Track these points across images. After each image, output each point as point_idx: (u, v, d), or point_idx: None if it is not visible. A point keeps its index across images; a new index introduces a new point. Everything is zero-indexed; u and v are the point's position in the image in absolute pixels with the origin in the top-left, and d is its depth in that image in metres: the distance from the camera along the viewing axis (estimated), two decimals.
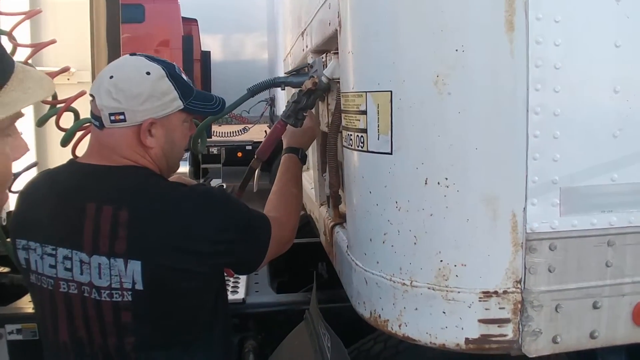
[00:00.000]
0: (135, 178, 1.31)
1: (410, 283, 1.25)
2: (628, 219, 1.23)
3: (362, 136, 1.32)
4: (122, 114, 1.29)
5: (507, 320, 1.22)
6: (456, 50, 1.16)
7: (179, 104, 1.35)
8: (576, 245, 1.22)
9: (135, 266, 1.21)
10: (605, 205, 1.23)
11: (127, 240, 1.22)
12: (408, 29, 1.21)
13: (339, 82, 1.58)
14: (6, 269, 2.45)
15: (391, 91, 1.23)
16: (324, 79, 1.62)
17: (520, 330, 1.22)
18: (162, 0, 8.09)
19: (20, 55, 2.07)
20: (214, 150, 9.13)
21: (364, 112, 1.30)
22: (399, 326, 1.29)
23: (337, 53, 1.59)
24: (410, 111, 1.21)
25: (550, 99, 1.17)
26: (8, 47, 2.05)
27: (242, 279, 2.43)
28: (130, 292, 1.22)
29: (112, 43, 3.48)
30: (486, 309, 1.21)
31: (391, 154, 1.25)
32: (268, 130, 10.46)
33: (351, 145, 1.38)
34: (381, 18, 1.26)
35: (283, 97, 8.45)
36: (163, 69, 1.34)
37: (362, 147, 1.33)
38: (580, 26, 1.17)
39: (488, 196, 1.19)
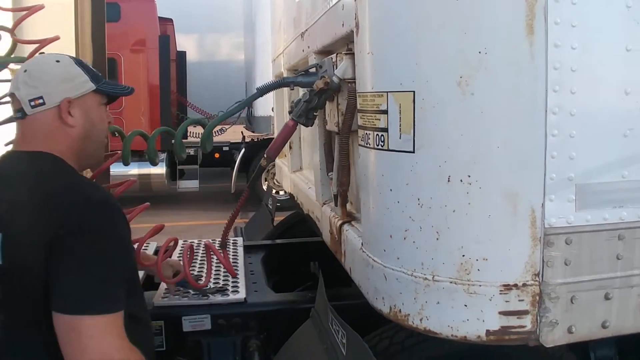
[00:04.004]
0: (36, 163, 1.43)
1: (432, 277, 1.29)
2: (637, 213, 1.30)
3: (382, 135, 1.35)
4: (41, 97, 1.43)
5: (525, 312, 1.27)
6: (479, 52, 1.21)
7: (90, 85, 1.50)
8: (590, 239, 1.28)
9: None
10: (617, 200, 1.29)
11: None
12: (432, 31, 1.25)
13: (350, 82, 1.61)
14: None
15: (414, 91, 1.27)
16: (335, 79, 1.64)
17: (538, 321, 1.27)
18: None
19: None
20: (191, 152, 9.01)
21: (385, 112, 1.33)
22: (420, 320, 1.32)
23: (349, 54, 1.62)
24: (434, 111, 1.25)
25: (567, 100, 1.23)
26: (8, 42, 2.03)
27: (241, 278, 2.43)
28: None
29: (97, 41, 3.46)
30: (506, 301, 1.26)
31: (413, 152, 1.29)
32: (245, 132, 10.35)
33: (368, 144, 1.41)
34: (404, 20, 1.29)
35: (261, 99, 8.43)
36: (70, 57, 1.52)
37: (382, 146, 1.36)
38: (595, 31, 1.23)
39: (509, 193, 1.24)
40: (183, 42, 10.00)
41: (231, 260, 2.62)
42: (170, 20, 9.26)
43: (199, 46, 10.52)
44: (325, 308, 1.82)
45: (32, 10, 1.87)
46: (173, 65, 8.76)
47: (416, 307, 1.32)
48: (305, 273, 3.11)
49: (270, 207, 3.62)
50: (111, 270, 1.33)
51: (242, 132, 9.80)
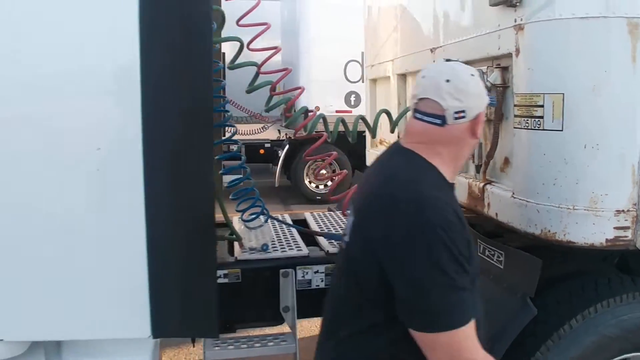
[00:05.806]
0: (410, 162, 1.64)
1: (573, 207, 2.12)
2: None
3: (539, 120, 2.18)
4: (464, 111, 1.62)
5: (628, 227, 2.10)
6: (605, 71, 2.05)
7: (487, 99, 1.75)
8: None
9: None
10: None
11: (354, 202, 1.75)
12: (575, 56, 2.09)
13: (498, 86, 2.44)
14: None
15: (563, 93, 2.11)
16: (488, 84, 2.47)
17: (636, 233, 2.11)
18: None
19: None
20: (234, 148, 9.82)
21: (541, 106, 2.17)
22: (564, 235, 2.15)
23: (498, 67, 2.45)
24: (576, 105, 2.09)
25: None
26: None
27: None
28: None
29: None
30: (617, 221, 2.09)
31: (562, 130, 2.12)
32: (281, 130, 11.05)
33: (527, 127, 2.24)
34: (555, 49, 2.13)
35: (302, 100, 9.25)
36: (478, 70, 1.86)
37: (538, 127, 2.19)
38: None
39: (620, 154, 2.08)
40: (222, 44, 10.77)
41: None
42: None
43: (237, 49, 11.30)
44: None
45: (265, 28, 2.69)
46: None
47: (561, 227, 2.15)
48: None
49: None
50: (452, 279, 1.38)
51: (278, 130, 10.60)
